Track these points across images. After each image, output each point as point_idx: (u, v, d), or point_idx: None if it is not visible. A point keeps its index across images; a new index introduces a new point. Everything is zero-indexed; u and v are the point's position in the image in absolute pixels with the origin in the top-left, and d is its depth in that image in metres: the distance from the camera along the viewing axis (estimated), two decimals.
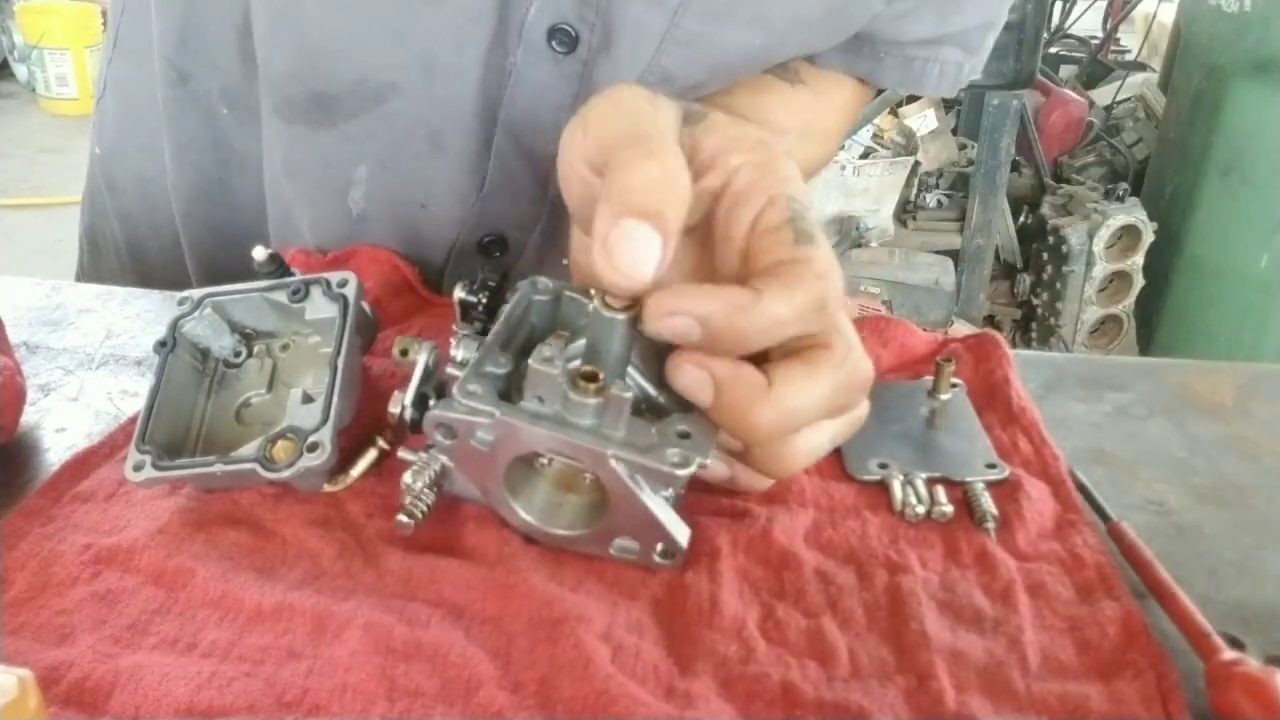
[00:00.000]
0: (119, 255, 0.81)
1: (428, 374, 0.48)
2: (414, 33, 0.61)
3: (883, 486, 0.52)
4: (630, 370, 0.47)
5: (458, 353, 0.47)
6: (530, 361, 0.42)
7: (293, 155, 0.68)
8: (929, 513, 0.49)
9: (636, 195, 0.40)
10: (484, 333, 0.47)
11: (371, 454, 0.50)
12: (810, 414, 0.42)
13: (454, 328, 0.48)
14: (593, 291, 0.46)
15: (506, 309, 0.48)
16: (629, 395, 0.42)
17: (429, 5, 0.60)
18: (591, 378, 0.42)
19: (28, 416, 0.56)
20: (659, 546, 0.45)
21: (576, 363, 0.45)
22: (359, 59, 0.63)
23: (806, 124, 0.70)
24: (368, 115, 0.64)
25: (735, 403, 0.42)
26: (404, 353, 0.49)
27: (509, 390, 0.45)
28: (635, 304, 0.42)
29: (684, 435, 0.43)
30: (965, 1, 0.69)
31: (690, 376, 0.42)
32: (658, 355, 0.49)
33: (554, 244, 0.70)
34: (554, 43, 0.60)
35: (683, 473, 0.41)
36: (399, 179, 0.67)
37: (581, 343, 0.46)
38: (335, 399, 0.48)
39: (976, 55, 0.73)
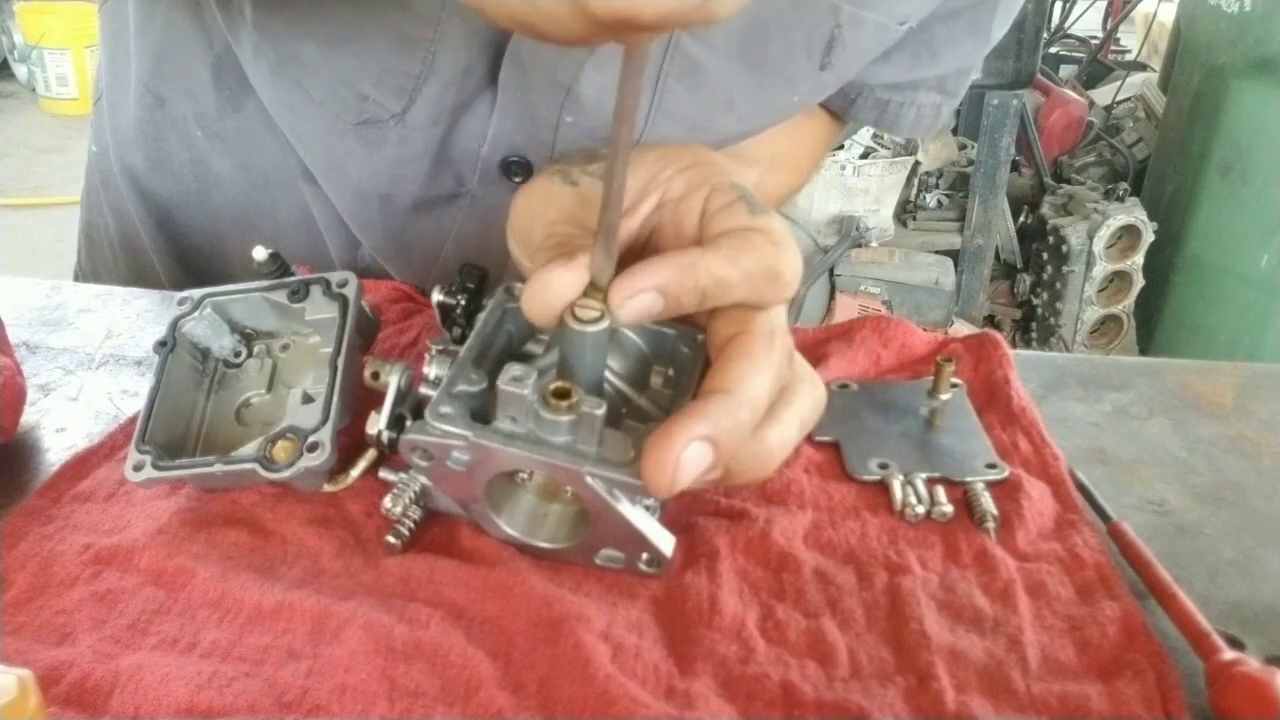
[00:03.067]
0: (113, 250, 0.83)
1: (401, 395, 0.48)
2: (350, 169, 0.66)
3: (883, 487, 0.52)
4: (609, 376, 0.47)
5: (430, 370, 0.47)
6: (499, 383, 0.42)
7: (315, 209, 0.73)
8: (929, 513, 0.49)
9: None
10: (463, 339, 0.47)
11: (371, 454, 0.50)
12: (766, 398, 0.42)
13: (428, 343, 0.48)
14: None
15: (481, 318, 0.48)
16: (600, 412, 0.41)
17: (364, 148, 0.64)
18: (563, 394, 0.42)
19: (28, 416, 0.56)
20: (644, 556, 0.45)
21: (551, 374, 0.44)
22: (318, 172, 0.69)
23: (776, 154, 0.71)
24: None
25: (732, 436, 0.40)
26: (375, 375, 0.49)
27: (485, 407, 0.44)
28: (604, 315, 0.42)
29: None
30: (941, 50, 0.69)
31: (691, 464, 0.39)
32: (637, 358, 0.49)
33: None
34: (509, 173, 0.64)
35: None
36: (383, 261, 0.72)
37: (555, 354, 0.46)
38: (335, 399, 0.48)
39: (955, 97, 0.73)
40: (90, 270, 0.87)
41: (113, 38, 0.77)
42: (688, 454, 0.39)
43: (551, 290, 0.42)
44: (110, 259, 0.84)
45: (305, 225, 0.74)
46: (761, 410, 0.42)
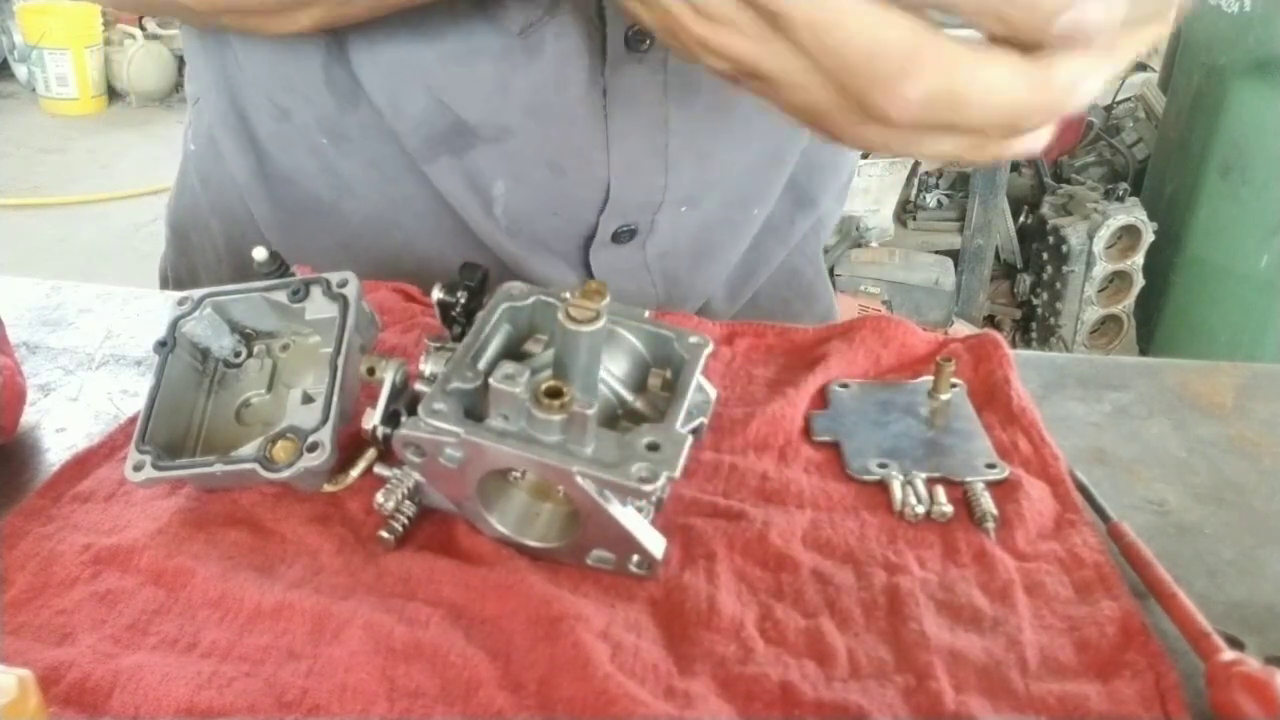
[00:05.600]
0: (216, 252, 0.82)
1: (396, 391, 0.49)
2: (515, 84, 0.64)
3: (882, 486, 0.52)
4: (606, 377, 0.47)
5: (426, 367, 0.47)
6: (492, 380, 0.42)
7: (441, 185, 0.71)
8: (928, 513, 0.49)
9: None
10: (462, 337, 0.47)
11: (371, 453, 0.50)
12: None
13: (426, 341, 0.48)
14: (565, 297, 0.46)
15: (480, 316, 0.48)
16: (591, 412, 0.41)
17: (527, 56, 0.63)
18: (556, 394, 0.41)
19: (28, 416, 0.56)
20: (634, 558, 0.45)
21: (546, 373, 0.44)
22: (477, 106, 0.66)
23: None
24: (495, 146, 0.68)
25: None
26: (370, 371, 0.49)
27: (479, 405, 0.44)
28: (599, 315, 0.42)
29: (653, 447, 0.42)
30: None
31: None
32: (635, 360, 0.49)
33: (675, 213, 0.72)
34: (631, 45, 0.62)
35: (649, 488, 0.41)
36: (531, 194, 0.70)
37: (551, 354, 0.46)
38: (335, 399, 0.48)
39: None
40: (186, 269, 0.85)
41: (199, 39, 0.76)
42: None
43: None
44: (214, 260, 0.83)
45: (440, 212, 0.72)
46: None
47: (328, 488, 0.50)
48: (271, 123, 0.73)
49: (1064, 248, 2.64)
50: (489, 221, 0.72)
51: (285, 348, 0.55)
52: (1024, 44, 0.37)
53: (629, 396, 0.48)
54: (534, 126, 0.67)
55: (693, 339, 0.49)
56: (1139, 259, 2.65)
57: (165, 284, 0.88)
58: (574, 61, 0.63)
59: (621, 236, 0.72)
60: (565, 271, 0.74)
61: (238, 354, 0.54)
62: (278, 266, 0.53)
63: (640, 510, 0.45)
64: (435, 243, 0.73)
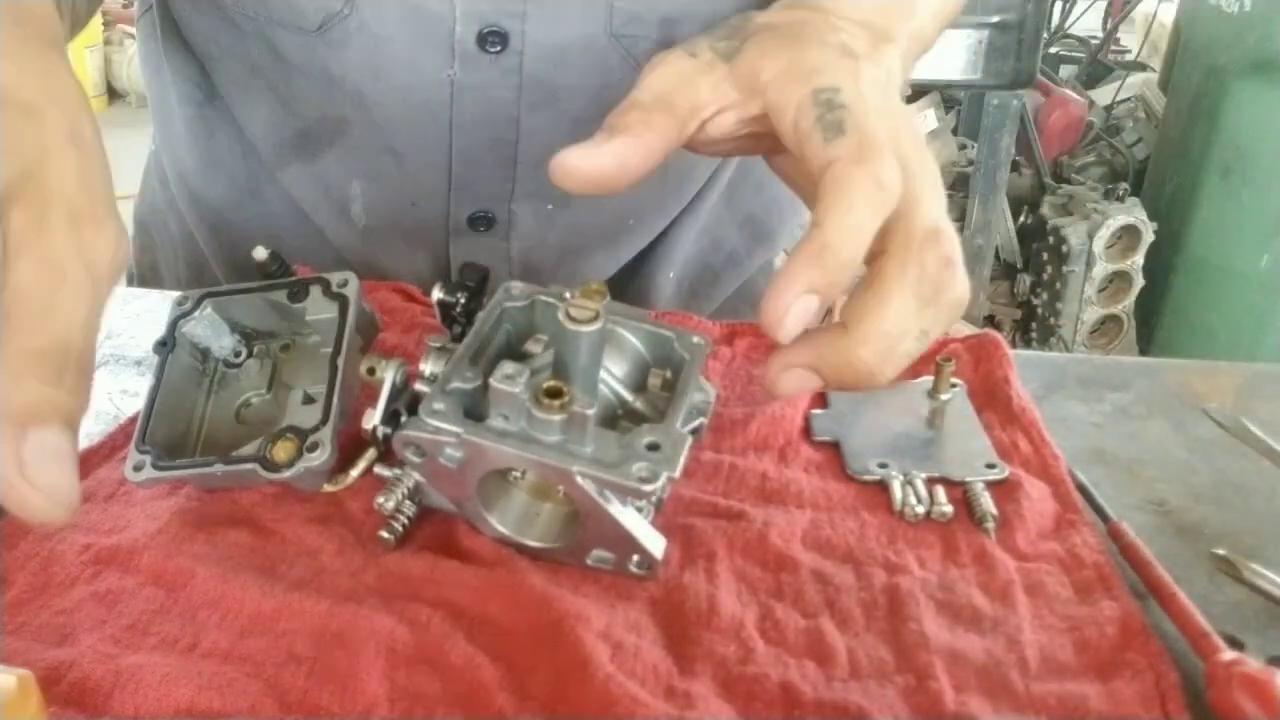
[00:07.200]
0: (174, 249, 0.83)
1: (397, 391, 0.49)
2: (347, 77, 0.66)
3: (882, 486, 0.52)
4: (606, 378, 0.47)
5: (426, 367, 0.47)
6: (492, 380, 0.42)
7: (297, 191, 0.73)
8: (928, 513, 0.49)
9: None
10: (462, 338, 0.47)
11: (371, 453, 0.51)
12: (907, 323, 0.40)
13: (426, 342, 0.48)
14: (565, 297, 0.45)
15: (480, 316, 0.48)
16: (591, 412, 0.41)
17: (340, 48, 0.64)
18: (555, 393, 0.41)
19: None
20: (634, 558, 0.45)
21: (546, 373, 0.44)
22: (314, 100, 0.68)
23: None
24: (341, 141, 0.69)
25: (838, 368, 0.41)
26: (370, 371, 0.49)
27: (479, 405, 0.44)
28: (599, 315, 0.42)
29: (653, 447, 0.42)
30: None
31: (791, 383, 0.42)
32: (635, 360, 0.49)
33: (539, 208, 0.72)
34: (486, 46, 0.63)
35: (649, 487, 0.41)
36: (385, 186, 0.71)
37: (550, 354, 0.46)
38: (335, 399, 0.48)
39: None
40: (148, 264, 0.86)
41: (151, 39, 0.77)
42: (788, 322, 0.39)
43: (565, 168, 0.42)
44: (172, 257, 0.84)
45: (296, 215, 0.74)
46: (897, 336, 0.40)
47: (328, 488, 0.50)
48: (192, 108, 0.74)
49: (1064, 248, 2.64)
50: (343, 225, 0.73)
51: (285, 348, 0.55)
52: None
53: (629, 396, 0.48)
54: (365, 116, 0.68)
55: (693, 339, 0.49)
56: (1139, 259, 2.65)
57: (130, 281, 0.89)
58: (405, 54, 0.64)
59: (479, 224, 0.72)
60: (424, 267, 0.75)
61: (238, 354, 0.54)
62: (278, 266, 0.53)
63: (640, 510, 0.45)
64: (352, 241, 0.75)
